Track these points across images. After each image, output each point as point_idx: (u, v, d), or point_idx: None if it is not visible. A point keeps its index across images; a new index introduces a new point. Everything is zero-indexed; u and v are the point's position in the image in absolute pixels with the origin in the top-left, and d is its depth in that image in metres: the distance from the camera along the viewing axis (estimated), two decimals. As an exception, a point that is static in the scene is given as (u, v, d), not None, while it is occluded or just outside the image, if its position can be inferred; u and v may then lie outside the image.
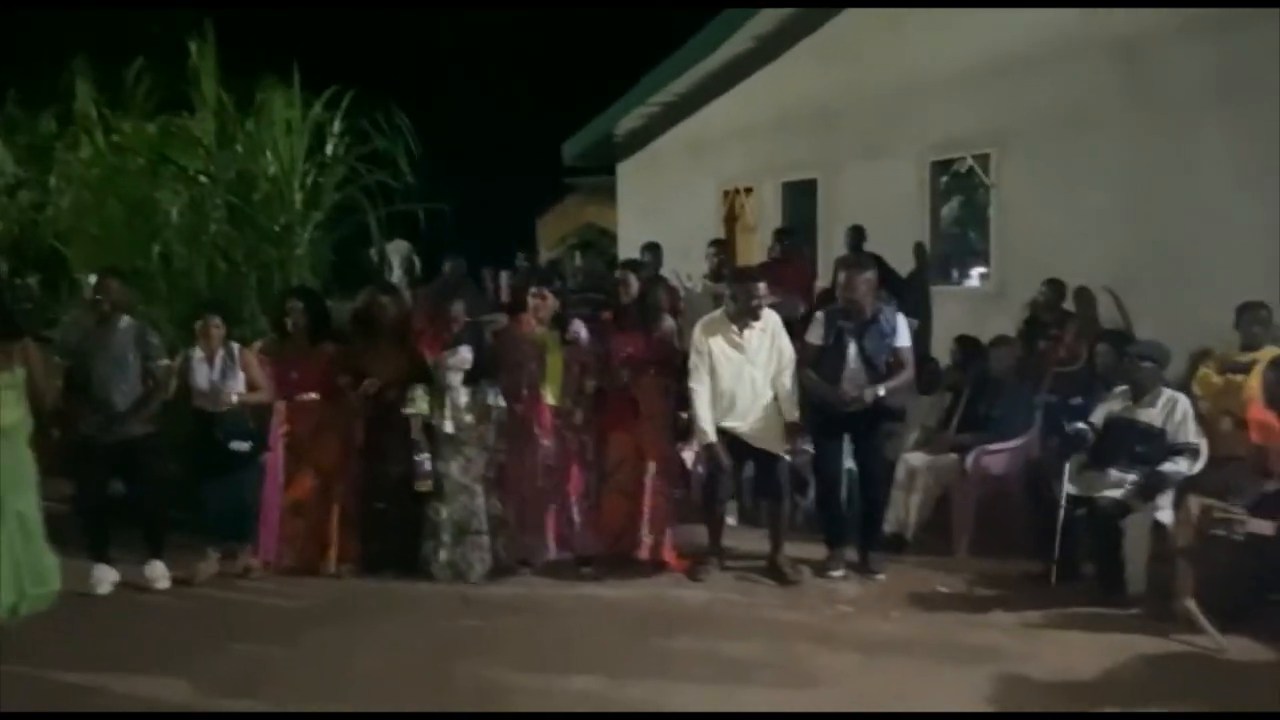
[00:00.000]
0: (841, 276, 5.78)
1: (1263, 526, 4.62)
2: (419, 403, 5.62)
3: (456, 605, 5.30)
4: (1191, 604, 4.69)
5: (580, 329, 5.97)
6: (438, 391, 5.66)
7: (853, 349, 5.60)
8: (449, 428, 5.61)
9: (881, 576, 5.66)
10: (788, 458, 5.73)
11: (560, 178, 15.45)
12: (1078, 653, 4.56)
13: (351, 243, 8.04)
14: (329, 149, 7.63)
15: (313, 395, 5.82)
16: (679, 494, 6.17)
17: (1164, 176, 6.64)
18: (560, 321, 5.96)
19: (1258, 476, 4.98)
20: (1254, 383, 5.27)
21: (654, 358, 5.84)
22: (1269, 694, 4.11)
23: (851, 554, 5.81)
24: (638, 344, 5.84)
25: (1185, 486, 5.11)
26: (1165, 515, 5.05)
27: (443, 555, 5.63)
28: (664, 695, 4.19)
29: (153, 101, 7.97)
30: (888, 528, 6.06)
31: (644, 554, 5.80)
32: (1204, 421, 5.39)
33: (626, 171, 13.06)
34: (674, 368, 5.84)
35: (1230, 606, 4.75)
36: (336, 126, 7.58)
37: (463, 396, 5.67)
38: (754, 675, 4.38)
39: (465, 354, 5.68)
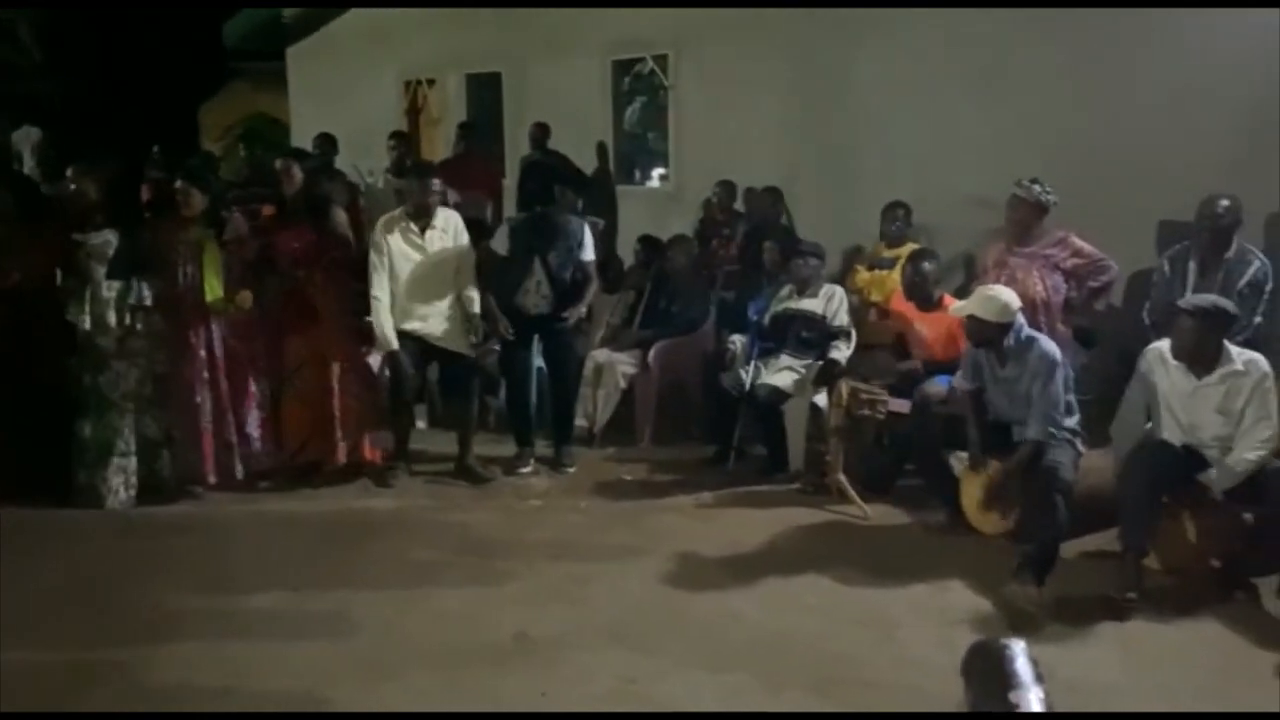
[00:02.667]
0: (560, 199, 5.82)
1: (901, 405, 5.17)
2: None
3: (121, 529, 4.90)
4: (842, 477, 5.20)
5: (241, 225, 5.53)
6: (79, 283, 5.10)
7: (538, 263, 5.59)
8: (86, 324, 5.07)
9: (572, 470, 5.82)
10: (473, 356, 5.70)
11: (226, 63, 14.16)
12: (746, 527, 4.93)
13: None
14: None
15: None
16: (367, 399, 6.00)
17: (828, 85, 7.07)
18: (213, 218, 5.47)
19: (897, 361, 5.56)
20: (896, 276, 5.83)
21: (324, 254, 5.52)
22: (905, 551, 4.65)
23: (544, 449, 5.93)
24: (305, 239, 5.49)
25: (839, 372, 5.60)
26: (820, 399, 5.51)
27: (81, 477, 5.15)
28: (350, 605, 4.11)
29: None
30: (577, 422, 6.22)
31: (341, 458, 5.60)
32: (854, 313, 5.92)
33: (298, 57, 12.18)
34: (351, 265, 5.58)
35: (874, 478, 5.32)
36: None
37: (106, 291, 5.13)
38: (443, 576, 4.39)
39: (109, 236, 5.12)
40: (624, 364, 6.33)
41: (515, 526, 5.02)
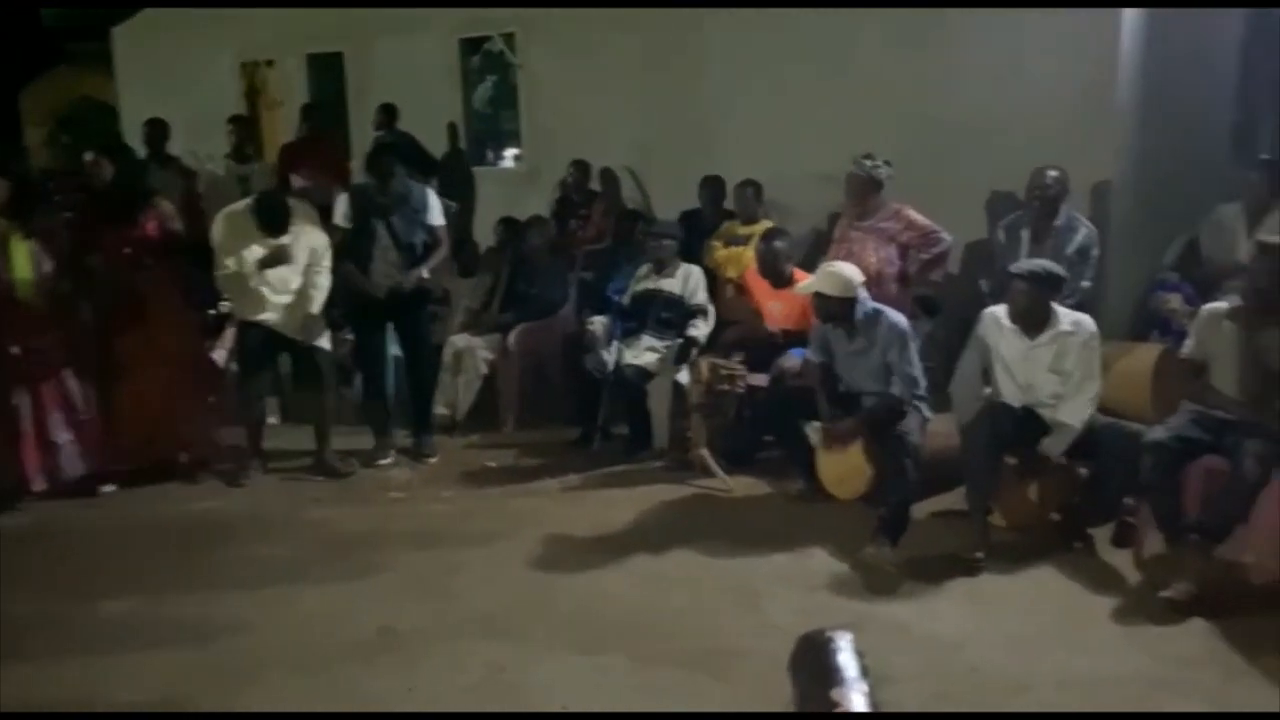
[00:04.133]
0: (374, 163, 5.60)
1: (759, 379, 5.28)
2: None
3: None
4: (705, 452, 5.28)
5: (52, 218, 5.19)
6: None
7: (382, 228, 5.42)
8: None
9: (433, 459, 5.73)
10: (327, 347, 5.53)
11: (48, 43, 13.26)
12: (613, 507, 4.95)
13: None
14: None
15: None
16: (213, 398, 5.76)
17: (678, 63, 7.12)
18: (20, 209, 5.07)
19: (754, 336, 5.66)
20: (750, 253, 5.93)
21: (148, 248, 5.25)
22: (768, 521, 4.76)
23: (404, 440, 5.81)
24: (126, 233, 5.21)
25: (698, 349, 5.67)
26: (682, 376, 5.57)
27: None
28: (206, 610, 3.95)
29: None
30: (438, 410, 6.13)
31: (185, 458, 5.38)
32: (712, 289, 6.00)
33: (125, 36, 11.48)
34: (182, 258, 5.32)
35: (736, 451, 5.42)
36: None
37: None
38: (304, 575, 4.26)
39: None
40: (484, 349, 6.25)
41: (377, 520, 4.91)
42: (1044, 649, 3.53)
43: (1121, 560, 4.25)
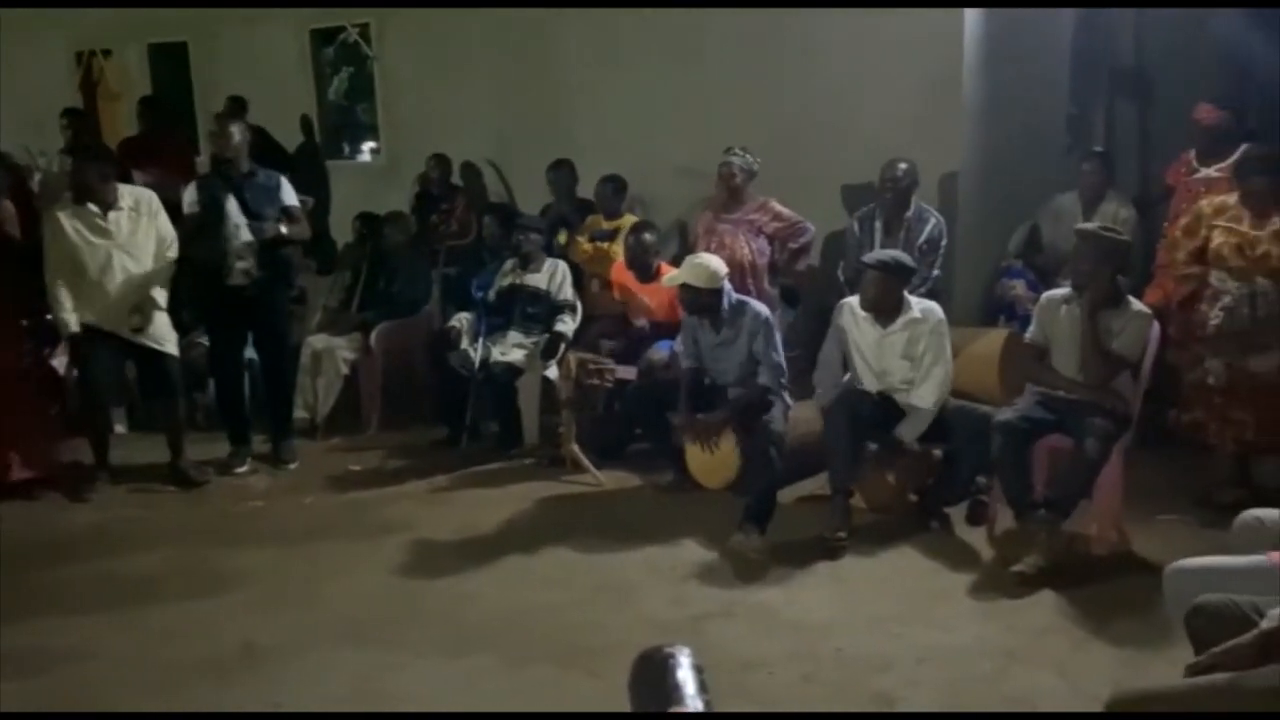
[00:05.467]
0: (214, 128, 5.34)
1: (628, 372, 5.29)
2: None
3: None
4: (576, 448, 5.26)
5: None
6: None
7: (232, 204, 5.12)
8: None
9: (293, 465, 5.54)
10: (175, 352, 5.28)
11: None
12: (482, 507, 4.88)
13: None
14: None
15: None
16: (54, 409, 5.45)
17: (535, 56, 7.06)
18: None
19: (622, 330, 5.68)
20: (617, 248, 5.94)
21: None
22: (639, 513, 4.78)
23: (262, 446, 5.61)
24: None
25: (565, 344, 5.65)
26: (551, 371, 5.55)
27: None
28: (49, 635, 3.72)
29: None
30: (297, 414, 5.93)
31: (15, 475, 5.05)
32: (578, 284, 5.98)
33: (-56, 24, 10.73)
34: (15, 261, 5.01)
35: (606, 445, 5.42)
36: None
37: None
38: (157, 592, 4.05)
39: None
40: (344, 349, 6.08)
41: (235, 531, 4.72)
42: (905, 626, 3.65)
43: (976, 538, 4.43)
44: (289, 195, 5.36)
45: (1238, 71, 5.72)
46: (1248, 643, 2.09)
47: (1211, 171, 5.05)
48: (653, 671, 1.51)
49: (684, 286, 4.67)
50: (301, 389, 5.99)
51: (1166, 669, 2.70)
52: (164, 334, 5.20)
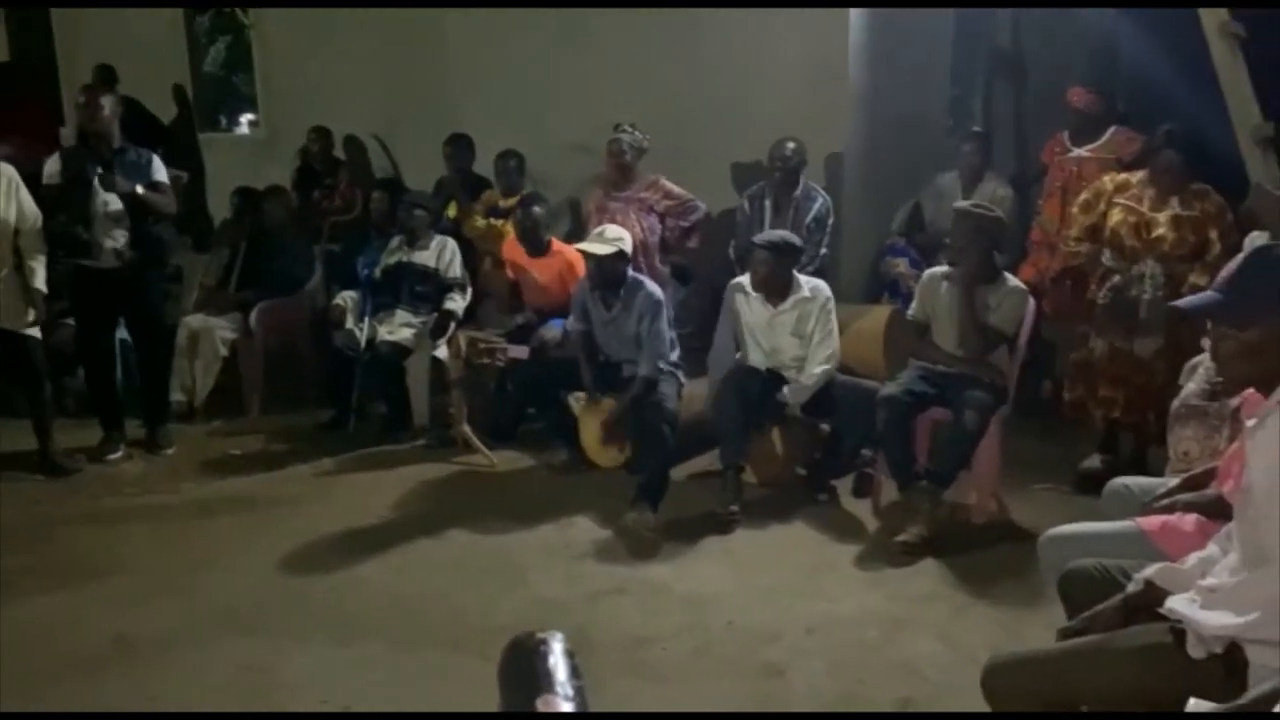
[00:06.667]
0: (81, 99, 5.05)
1: (520, 351, 5.24)
2: None
3: None
4: (467, 428, 5.19)
5: None
6: None
7: (98, 180, 4.90)
8: None
9: (170, 451, 5.34)
10: (36, 334, 5.00)
11: None
12: (371, 491, 4.79)
13: None
14: None
15: None
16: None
17: (421, 30, 6.87)
18: None
19: (512, 309, 5.61)
20: (510, 225, 5.85)
21: None
22: (532, 494, 4.74)
23: (136, 431, 5.37)
24: None
25: (455, 323, 5.56)
26: (441, 351, 5.45)
27: None
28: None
29: None
30: (174, 397, 5.71)
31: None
32: (469, 261, 5.87)
33: None
34: None
35: (498, 425, 5.37)
36: None
37: None
38: (23, 585, 3.84)
39: None
40: (222, 329, 5.87)
41: (109, 520, 4.52)
42: (794, 597, 3.71)
43: (862, 509, 4.53)
44: (160, 173, 5.13)
45: (1109, 56, 5.93)
46: (1114, 606, 2.18)
47: (1083, 151, 5.22)
48: (522, 659, 1.49)
49: (591, 257, 4.63)
50: (178, 371, 5.77)
51: (1042, 632, 2.80)
52: (23, 317, 4.90)
